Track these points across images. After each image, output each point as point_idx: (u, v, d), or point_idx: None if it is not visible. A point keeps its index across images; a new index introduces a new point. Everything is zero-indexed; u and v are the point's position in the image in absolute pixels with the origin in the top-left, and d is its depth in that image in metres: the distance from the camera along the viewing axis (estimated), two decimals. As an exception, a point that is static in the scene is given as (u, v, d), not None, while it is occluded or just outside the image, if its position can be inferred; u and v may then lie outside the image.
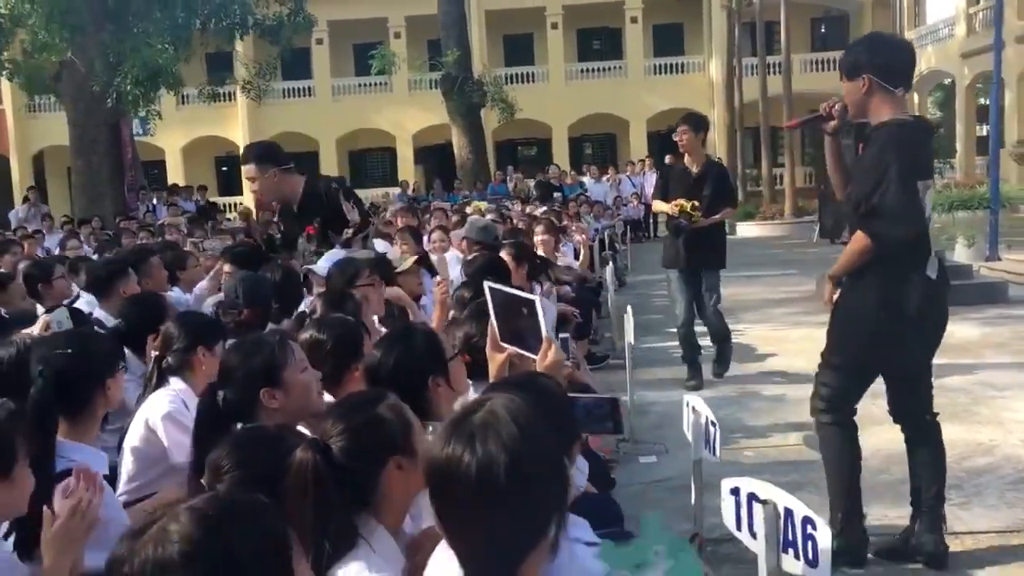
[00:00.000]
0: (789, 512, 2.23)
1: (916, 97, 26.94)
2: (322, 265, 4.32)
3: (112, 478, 2.90)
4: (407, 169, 29.31)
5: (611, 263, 9.65)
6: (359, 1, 28.42)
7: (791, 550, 2.24)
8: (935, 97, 35.47)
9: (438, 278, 4.57)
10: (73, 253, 8.86)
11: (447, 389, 2.54)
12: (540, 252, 7.24)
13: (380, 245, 5.97)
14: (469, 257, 5.28)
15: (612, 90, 29.18)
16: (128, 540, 1.29)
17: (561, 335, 4.51)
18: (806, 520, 2.19)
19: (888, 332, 3.47)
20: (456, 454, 1.46)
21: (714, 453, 3.11)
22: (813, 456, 4.68)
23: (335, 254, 4.51)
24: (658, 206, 7.08)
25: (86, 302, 4.94)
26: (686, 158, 6.59)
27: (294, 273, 4.65)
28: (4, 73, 17.52)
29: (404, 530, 2.00)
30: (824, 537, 2.15)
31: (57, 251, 9.86)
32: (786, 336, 8.41)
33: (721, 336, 6.82)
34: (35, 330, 3.41)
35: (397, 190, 21.86)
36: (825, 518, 2.44)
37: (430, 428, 1.99)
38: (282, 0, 17.35)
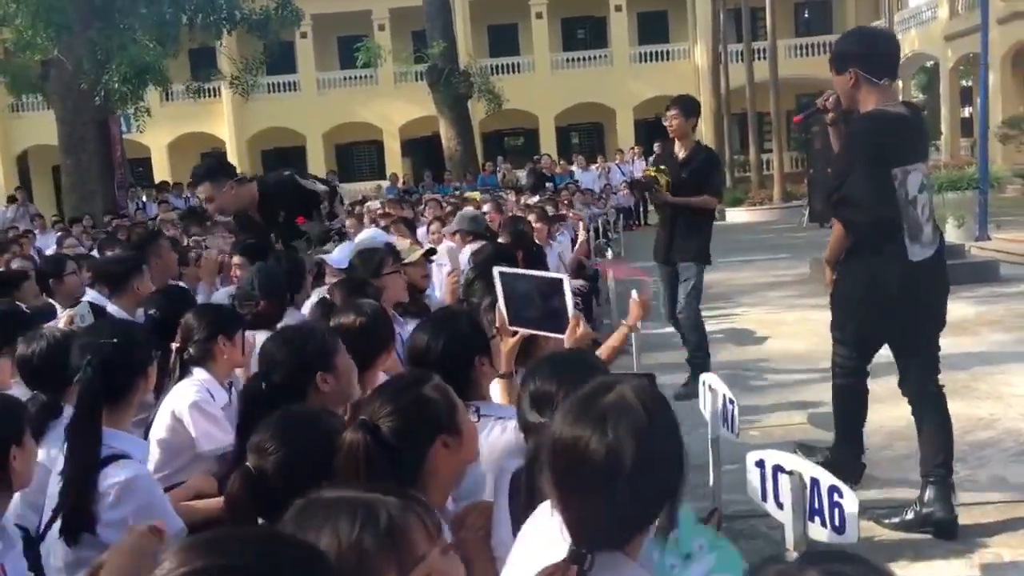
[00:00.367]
0: (815, 481, 2.31)
1: (900, 81, 27.05)
2: (336, 255, 4.36)
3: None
4: (395, 162, 29.30)
5: (609, 250, 9.71)
6: (343, -6, 28.39)
7: (817, 518, 2.32)
8: (918, 80, 35.64)
9: (448, 268, 4.62)
10: (71, 251, 8.84)
11: (490, 368, 2.63)
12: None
13: (371, 233, 5.98)
14: (476, 247, 5.33)
15: (598, 79, 29.22)
16: None
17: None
18: (832, 488, 2.28)
19: (878, 309, 3.78)
20: (585, 435, 1.48)
21: (732, 431, 3.16)
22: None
23: (348, 245, 4.56)
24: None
25: (92, 298, 4.97)
26: (676, 144, 6.11)
27: (300, 263, 4.70)
28: (-11, 72, 17.40)
29: (448, 508, 2.06)
30: (851, 504, 2.23)
31: (51, 250, 9.83)
32: (782, 319, 8.51)
33: (691, 343, 6.08)
34: (60, 324, 3.43)
35: (387, 183, 21.86)
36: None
37: (472, 408, 2.04)
38: (268, -6, 17.29)
